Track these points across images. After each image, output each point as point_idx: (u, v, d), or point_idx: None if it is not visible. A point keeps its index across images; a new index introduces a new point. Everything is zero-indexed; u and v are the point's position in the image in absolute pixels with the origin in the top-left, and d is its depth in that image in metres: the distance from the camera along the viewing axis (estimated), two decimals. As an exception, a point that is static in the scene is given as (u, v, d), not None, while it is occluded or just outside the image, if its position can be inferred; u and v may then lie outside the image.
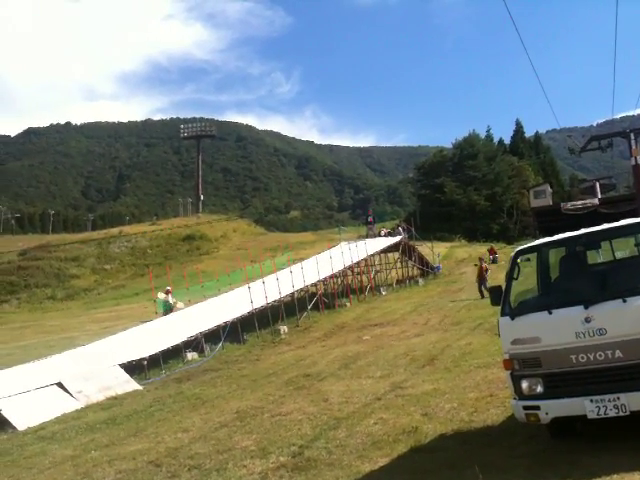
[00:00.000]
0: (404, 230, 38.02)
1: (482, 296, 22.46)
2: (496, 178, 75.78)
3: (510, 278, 6.54)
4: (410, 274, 35.35)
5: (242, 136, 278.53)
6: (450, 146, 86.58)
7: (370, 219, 41.76)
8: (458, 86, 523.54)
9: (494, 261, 36.67)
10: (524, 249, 6.81)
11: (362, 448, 7.27)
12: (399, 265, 35.38)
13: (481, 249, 44.86)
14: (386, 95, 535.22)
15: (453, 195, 73.08)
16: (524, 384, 6.00)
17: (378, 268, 34.33)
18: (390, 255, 35.27)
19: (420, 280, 33.86)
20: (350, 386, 11.17)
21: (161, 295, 24.71)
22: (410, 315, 21.32)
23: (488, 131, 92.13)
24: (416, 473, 5.99)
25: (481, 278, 24.32)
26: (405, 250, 35.29)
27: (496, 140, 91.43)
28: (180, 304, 24.34)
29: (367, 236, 35.60)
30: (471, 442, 6.84)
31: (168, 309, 23.62)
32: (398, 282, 33.57)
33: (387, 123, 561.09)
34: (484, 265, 25.94)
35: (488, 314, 15.15)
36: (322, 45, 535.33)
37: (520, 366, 6.05)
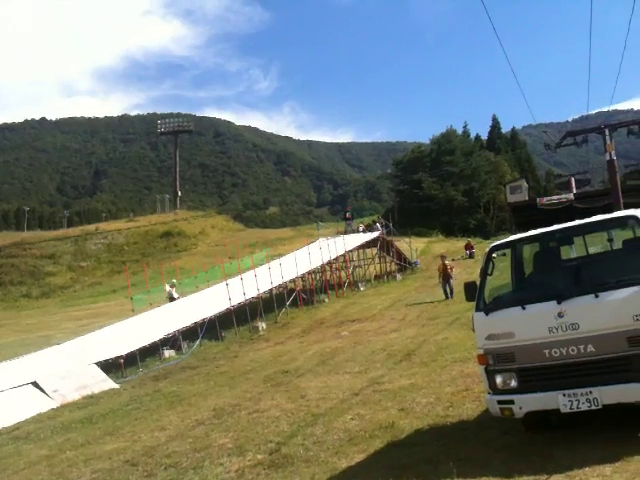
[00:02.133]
0: (382, 225, 38.16)
1: (446, 297, 21.70)
2: (473, 173, 76.36)
3: (485, 273, 6.58)
4: (388, 269, 35.49)
5: (220, 132, 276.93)
6: (428, 142, 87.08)
7: (348, 215, 41.77)
8: (435, 82, 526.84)
9: (471, 256, 36.98)
10: (499, 244, 6.86)
11: (339, 444, 7.29)
12: (377, 260, 35.51)
13: (458, 244, 45.24)
14: (364, 91, 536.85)
15: (431, 190, 73.50)
16: (498, 379, 6.05)
17: (356, 263, 34.45)
18: (368, 250, 35.35)
19: (398, 275, 34.02)
20: (328, 382, 11.19)
21: (167, 287, 25.18)
22: (388, 310, 21.41)
23: (465, 127, 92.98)
24: (393, 469, 6.01)
25: (445, 277, 22.48)
26: (383, 245, 35.42)
27: (473, 136, 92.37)
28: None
29: (345, 232, 35.49)
30: (447, 437, 6.88)
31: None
32: (376, 277, 33.70)
33: (365, 119, 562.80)
34: (448, 263, 23.91)
35: (464, 309, 15.25)
36: (300, 42, 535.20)
37: (494, 361, 6.10)
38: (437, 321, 16.84)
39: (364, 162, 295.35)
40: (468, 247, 38.07)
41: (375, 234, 35.36)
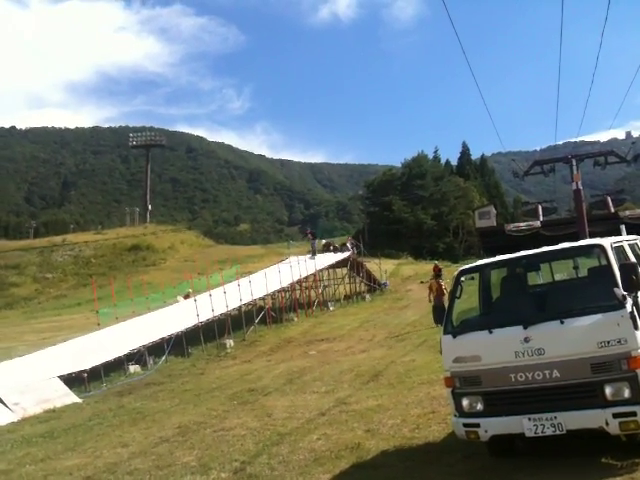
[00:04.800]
0: (353, 246, 38.31)
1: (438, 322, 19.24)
2: (443, 198, 77.34)
3: (453, 297, 6.67)
4: (358, 290, 35.63)
5: (192, 147, 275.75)
6: (399, 165, 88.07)
7: (310, 236, 40.20)
8: (407, 107, 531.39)
9: (437, 277, 37.23)
10: (467, 269, 6.96)
11: (304, 464, 7.27)
12: (347, 280, 35.62)
13: (427, 267, 45.54)
14: (336, 114, 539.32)
15: (401, 213, 74.22)
16: (464, 402, 6.11)
17: (326, 283, 34.48)
18: (339, 270, 35.48)
19: (367, 296, 34.15)
20: (295, 401, 11.16)
21: (180, 299, 25.35)
22: (357, 331, 21.48)
23: (436, 152, 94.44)
24: (357, 490, 6.02)
25: (440, 298, 18.89)
26: (353, 266, 35.56)
27: (443, 161, 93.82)
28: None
29: (313, 252, 35.31)
30: (412, 459, 6.91)
31: None
32: (346, 297, 33.78)
33: (337, 141, 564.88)
34: (442, 283, 21.42)
35: (433, 332, 15.40)
36: (274, 64, 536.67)
37: (461, 384, 6.17)
38: (405, 343, 16.96)
39: (336, 183, 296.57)
40: (436, 270, 38.35)
41: (346, 254, 35.51)
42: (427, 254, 63.71)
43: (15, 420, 13.29)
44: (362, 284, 36.44)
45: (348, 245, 38.29)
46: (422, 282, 36.59)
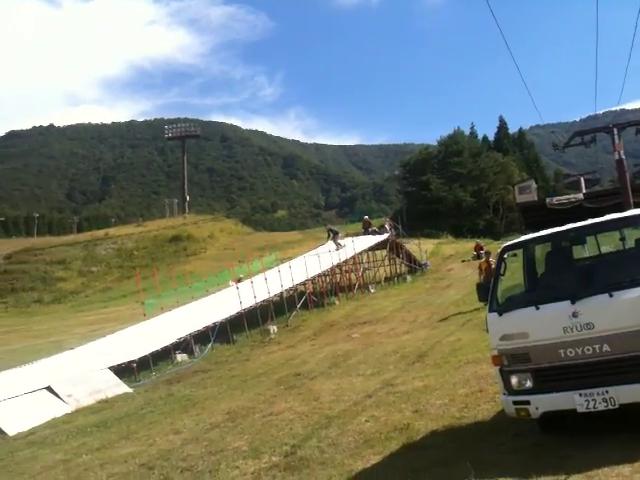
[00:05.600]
0: (391, 227, 38.08)
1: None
2: (481, 174, 76.13)
3: (497, 274, 6.59)
4: (398, 271, 35.47)
5: (227, 136, 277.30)
6: (435, 143, 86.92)
7: (330, 233, 36.09)
8: (441, 84, 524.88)
9: (479, 257, 36.82)
10: (511, 245, 6.86)
11: (354, 446, 7.30)
12: (387, 262, 35.48)
13: (468, 245, 45.09)
14: (369, 95, 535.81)
15: (439, 192, 73.35)
16: (513, 379, 6.05)
17: (366, 266, 34.41)
18: (378, 253, 35.35)
19: (408, 277, 33.95)
20: (341, 384, 11.20)
21: (232, 283, 25.78)
22: (399, 312, 21.38)
23: (472, 128, 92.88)
24: (409, 470, 6.01)
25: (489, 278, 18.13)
26: (393, 247, 35.39)
27: (480, 137, 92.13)
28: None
29: (337, 249, 31.65)
30: (462, 438, 6.89)
31: None
32: (386, 279, 33.66)
33: (371, 123, 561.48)
34: (491, 261, 19.90)
35: (477, 310, 15.26)
36: (305, 48, 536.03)
37: (509, 361, 6.10)
38: (449, 322, 16.82)
39: (371, 164, 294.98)
40: (477, 248, 37.86)
41: (384, 236, 35.32)
42: (467, 232, 62.88)
43: (69, 411, 13.68)
44: (402, 265, 36.22)
45: (386, 227, 38.03)
46: (463, 261, 36.25)
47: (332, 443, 7.56)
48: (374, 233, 36.66)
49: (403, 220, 48.64)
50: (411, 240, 40.63)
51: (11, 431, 12.33)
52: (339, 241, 32.93)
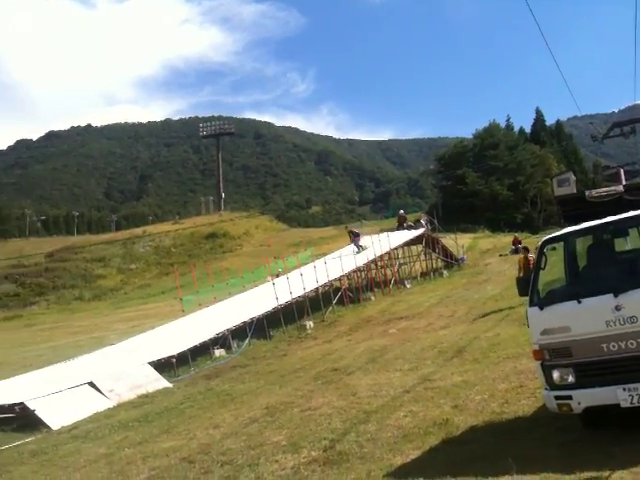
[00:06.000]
0: (427, 222, 37.80)
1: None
2: (518, 167, 75.04)
3: (537, 268, 6.51)
4: (434, 266, 35.20)
5: (261, 133, 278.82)
6: (470, 137, 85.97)
7: (351, 235, 34.07)
8: (477, 77, 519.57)
9: (517, 251, 36.32)
10: (551, 238, 6.76)
11: (393, 441, 7.29)
12: (423, 257, 35.24)
13: (505, 239, 44.56)
14: (403, 89, 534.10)
15: (475, 186, 72.50)
16: (555, 374, 5.98)
17: (402, 261, 34.23)
18: (413, 248, 35.11)
19: (445, 272, 33.68)
20: (378, 379, 11.18)
21: (269, 278, 25.87)
22: (436, 307, 21.22)
23: (508, 120, 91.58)
24: (449, 465, 5.99)
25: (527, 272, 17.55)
26: (428, 242, 35.14)
27: (516, 129, 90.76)
28: None
29: (359, 252, 30.27)
30: (503, 433, 6.83)
31: None
32: (422, 274, 33.43)
33: (405, 117, 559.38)
34: (530, 256, 19.27)
35: (516, 305, 15.04)
36: (336, 43, 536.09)
37: (550, 356, 6.03)
38: (487, 317, 16.61)
39: (405, 159, 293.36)
40: (516, 242, 37.35)
41: (420, 231, 35.09)
42: (504, 226, 62.07)
43: (111, 406, 13.88)
44: (438, 260, 35.93)
45: (422, 221, 37.76)
46: (501, 255, 35.83)
47: (371, 438, 7.56)
48: (409, 228, 36.44)
49: (439, 214, 48.13)
50: (447, 235, 40.32)
51: (55, 425, 12.59)
52: (360, 243, 31.87)
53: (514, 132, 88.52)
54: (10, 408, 13.27)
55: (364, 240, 32.03)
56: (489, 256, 37.81)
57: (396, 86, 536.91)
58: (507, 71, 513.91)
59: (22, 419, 13.03)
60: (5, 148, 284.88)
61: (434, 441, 6.99)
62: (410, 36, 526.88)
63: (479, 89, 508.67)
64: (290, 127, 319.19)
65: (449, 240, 38.69)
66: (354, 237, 32.70)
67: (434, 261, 35.64)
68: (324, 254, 31.76)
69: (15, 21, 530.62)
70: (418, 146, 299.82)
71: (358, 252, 29.73)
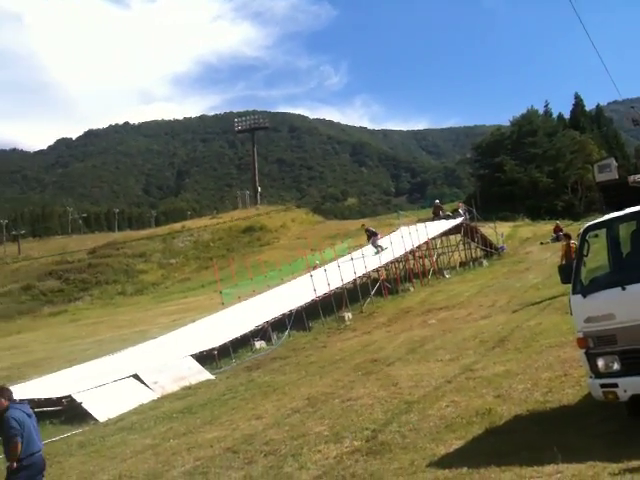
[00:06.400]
0: (465, 211, 37.39)
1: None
2: (557, 154, 73.51)
3: (580, 255, 6.42)
4: (473, 256, 34.82)
5: (295, 126, 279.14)
6: (507, 124, 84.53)
7: (367, 233, 32.20)
8: (513, 62, 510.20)
9: (558, 239, 35.69)
10: (593, 225, 6.66)
11: (436, 431, 7.29)
12: (462, 247, 34.90)
13: (546, 227, 43.83)
14: (437, 78, 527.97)
15: (513, 174, 71.28)
16: (600, 362, 5.91)
17: (440, 251, 33.95)
18: (452, 237, 34.79)
19: (484, 261, 33.30)
20: (419, 370, 11.15)
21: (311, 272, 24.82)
22: (476, 297, 21.00)
23: (546, 106, 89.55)
24: (493, 455, 5.96)
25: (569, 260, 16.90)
26: (467, 232, 34.78)
27: (555, 115, 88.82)
28: None
29: (377, 252, 28.17)
30: (547, 423, 6.77)
31: None
32: (461, 264, 33.11)
33: (440, 106, 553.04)
34: (572, 243, 18.01)
35: (558, 293, 14.81)
36: (368, 34, 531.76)
37: (595, 344, 5.96)
38: (529, 306, 16.39)
39: (441, 148, 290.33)
40: (557, 230, 36.69)
41: (458, 220, 34.74)
42: (545, 214, 60.99)
43: (155, 398, 14.15)
44: (478, 250, 35.53)
45: (460, 211, 37.34)
46: (542, 243, 35.29)
47: (413, 428, 7.57)
48: (447, 217, 36.10)
49: (477, 203, 47.53)
50: (486, 224, 39.82)
51: (101, 417, 12.91)
52: (379, 242, 29.72)
53: (553, 118, 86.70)
54: (58, 401, 13.65)
55: (382, 240, 30.27)
56: (530, 244, 37.28)
57: (430, 75, 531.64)
58: (545, 55, 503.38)
59: (70, 412, 13.40)
60: (46, 147, 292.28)
61: (477, 431, 6.97)
62: (443, 23, 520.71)
63: (516, 75, 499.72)
64: (324, 119, 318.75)
65: (488, 229, 38.22)
66: (372, 236, 30.43)
67: (473, 250, 35.26)
68: (361, 246, 31.68)
69: (54, 23, 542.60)
70: (454, 135, 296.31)
71: (377, 252, 28.11)
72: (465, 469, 5.80)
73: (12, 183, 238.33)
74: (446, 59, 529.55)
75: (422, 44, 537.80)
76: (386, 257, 26.71)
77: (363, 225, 30.72)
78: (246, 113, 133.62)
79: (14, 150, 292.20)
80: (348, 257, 26.03)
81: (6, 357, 25.98)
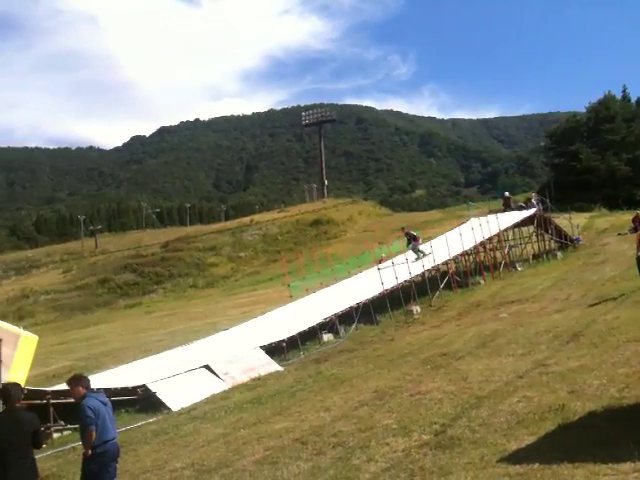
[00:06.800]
0: (538, 202, 36.31)
1: None
2: (637, 140, 70.33)
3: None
4: (547, 248, 33.80)
5: (362, 118, 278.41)
6: (583, 110, 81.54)
7: (406, 236, 29.08)
8: (588, 46, 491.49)
9: (636, 229, 34.16)
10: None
11: (507, 426, 7.12)
12: (535, 239, 33.94)
13: (624, 217, 42.03)
14: (507, 65, 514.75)
15: (590, 162, 68.68)
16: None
17: (512, 243, 33.13)
18: (524, 229, 33.86)
19: (558, 253, 32.26)
20: (489, 364, 10.91)
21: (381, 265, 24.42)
22: (549, 290, 20.38)
23: (624, 91, 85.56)
24: (567, 451, 5.77)
25: None
26: (540, 223, 33.77)
27: (634, 100, 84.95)
28: None
29: (418, 258, 26.23)
30: (623, 419, 6.52)
31: None
32: (534, 257, 32.18)
33: (511, 93, 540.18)
34: None
35: (636, 286, 14.19)
36: (436, 22, 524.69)
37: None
38: (605, 300, 15.76)
39: (513, 137, 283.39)
40: (636, 220, 35.09)
41: (531, 211, 33.78)
42: (623, 204, 58.41)
43: (226, 388, 14.47)
44: (552, 241, 34.44)
45: (533, 201, 36.23)
46: (620, 234, 33.88)
47: (483, 423, 7.43)
48: (520, 208, 35.17)
49: (551, 194, 46.06)
50: (561, 214, 38.55)
51: (175, 407, 13.32)
52: (420, 247, 27.48)
53: (631, 103, 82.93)
54: (133, 390, 14.17)
55: (423, 246, 28.05)
56: (607, 236, 35.85)
57: (500, 61, 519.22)
58: (622, 38, 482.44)
59: (144, 401, 13.90)
60: (121, 145, 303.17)
61: (550, 427, 6.76)
62: (512, 7, 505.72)
63: (592, 60, 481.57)
64: (392, 110, 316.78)
65: (563, 220, 36.98)
66: (412, 241, 28.09)
67: (547, 242, 34.23)
68: (430, 238, 31.30)
69: (127, 23, 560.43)
70: (527, 122, 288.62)
71: (417, 258, 26.14)
72: (537, 465, 5.64)
73: (89, 180, 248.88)
74: (517, 45, 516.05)
75: (491, 30, 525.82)
76: (455, 250, 26.26)
77: (403, 228, 28.34)
78: (313, 106, 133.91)
79: (91, 148, 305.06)
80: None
81: (84, 348, 27.15)
